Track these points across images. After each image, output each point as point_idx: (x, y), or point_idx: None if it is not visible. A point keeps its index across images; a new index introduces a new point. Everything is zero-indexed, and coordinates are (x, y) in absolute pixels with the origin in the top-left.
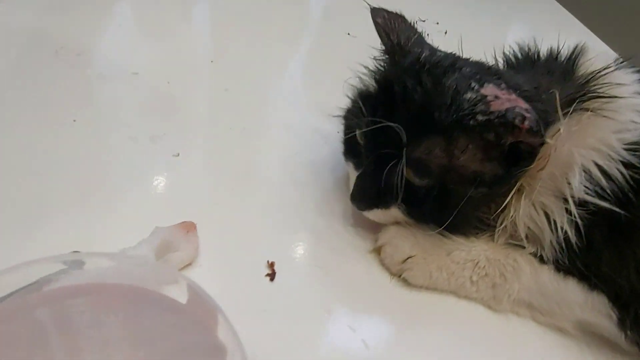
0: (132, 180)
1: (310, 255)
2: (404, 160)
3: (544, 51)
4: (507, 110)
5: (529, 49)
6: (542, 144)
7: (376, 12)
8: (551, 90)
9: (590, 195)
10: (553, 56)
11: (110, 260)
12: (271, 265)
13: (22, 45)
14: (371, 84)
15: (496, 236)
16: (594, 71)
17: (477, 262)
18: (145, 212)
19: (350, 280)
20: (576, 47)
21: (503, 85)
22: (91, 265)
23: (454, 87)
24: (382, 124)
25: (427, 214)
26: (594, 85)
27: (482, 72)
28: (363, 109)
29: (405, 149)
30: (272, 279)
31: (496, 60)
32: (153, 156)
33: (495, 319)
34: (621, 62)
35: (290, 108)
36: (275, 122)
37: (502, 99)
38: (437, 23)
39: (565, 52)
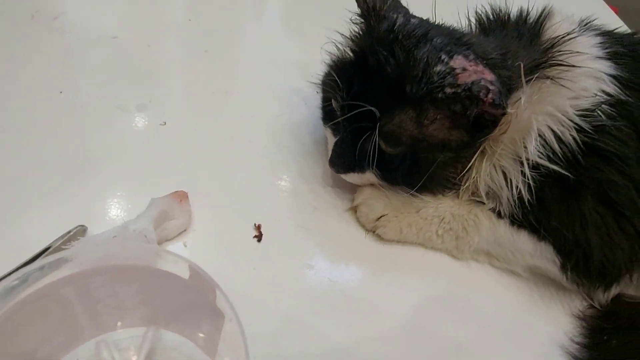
0: (124, 151)
1: (293, 216)
2: (376, 133)
3: (514, 12)
4: (473, 83)
5: (500, 10)
6: (504, 114)
7: None
8: (517, 63)
9: (543, 158)
10: (522, 18)
11: (116, 236)
12: (258, 227)
13: None
14: (346, 52)
15: (461, 194)
16: (557, 36)
17: (443, 218)
18: (138, 182)
19: (329, 237)
20: (543, 10)
21: (471, 57)
22: (105, 249)
23: (425, 59)
24: (357, 110)
25: (399, 178)
26: (557, 52)
27: (453, 42)
28: (339, 81)
29: (378, 124)
30: (259, 240)
31: (469, 20)
32: (141, 126)
33: (457, 266)
34: (585, 25)
35: (270, 68)
36: (256, 84)
37: (469, 70)
38: None
39: (534, 15)
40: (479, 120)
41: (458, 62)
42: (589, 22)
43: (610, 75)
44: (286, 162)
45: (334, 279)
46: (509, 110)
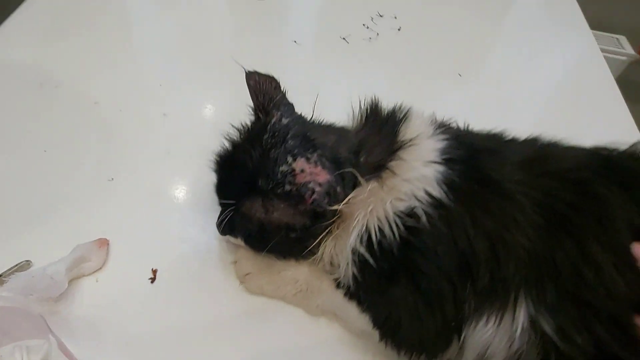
0: (75, 202)
1: (186, 265)
2: (222, 216)
3: (390, 108)
4: (303, 184)
5: (376, 105)
6: (328, 210)
7: (249, 76)
8: (349, 170)
9: (362, 247)
10: (390, 116)
11: (34, 276)
12: (154, 272)
13: (13, 79)
14: (229, 142)
15: (317, 262)
16: (405, 140)
17: (297, 280)
18: (78, 228)
19: (211, 285)
20: (407, 111)
21: (313, 159)
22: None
23: (275, 159)
24: (222, 200)
25: (255, 245)
26: (395, 157)
27: (303, 145)
28: (216, 167)
29: (233, 206)
30: (152, 282)
31: (360, 107)
32: (93, 180)
33: (309, 318)
34: (443, 127)
35: (213, 132)
36: (195, 146)
37: (306, 172)
38: (395, 17)
39: (401, 114)
40: (316, 210)
41: (299, 164)
42: (447, 126)
43: (439, 180)
44: (195, 217)
45: (207, 318)
46: (337, 206)
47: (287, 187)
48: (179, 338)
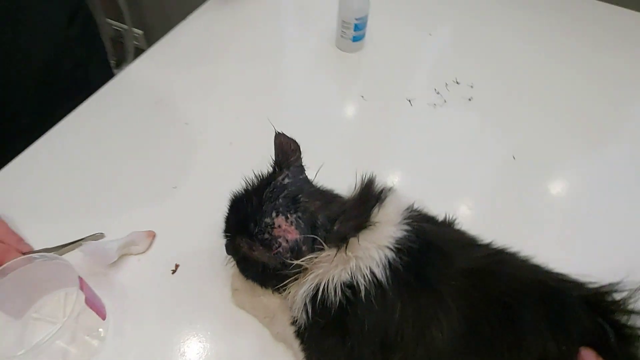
0: (143, 199)
1: (201, 267)
2: (225, 243)
3: (380, 187)
4: (275, 237)
5: (373, 180)
6: (289, 262)
7: (277, 136)
8: (314, 236)
9: (308, 300)
10: (375, 194)
11: (97, 247)
12: (176, 266)
13: (141, 93)
14: (245, 185)
15: (285, 298)
16: (371, 222)
17: (269, 308)
18: (141, 219)
19: (213, 287)
20: (388, 195)
21: (291, 219)
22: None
23: (265, 211)
24: (224, 234)
25: (241, 269)
26: (357, 235)
27: (288, 205)
28: (229, 202)
29: (229, 239)
30: (173, 273)
31: (361, 179)
32: (162, 185)
33: (273, 342)
34: (409, 217)
35: (264, 166)
36: (242, 176)
37: (282, 228)
38: (471, 86)
39: (384, 195)
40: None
41: (279, 220)
42: (422, 217)
43: (385, 265)
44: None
45: (202, 315)
46: (296, 262)
47: (266, 236)
48: (179, 318)
